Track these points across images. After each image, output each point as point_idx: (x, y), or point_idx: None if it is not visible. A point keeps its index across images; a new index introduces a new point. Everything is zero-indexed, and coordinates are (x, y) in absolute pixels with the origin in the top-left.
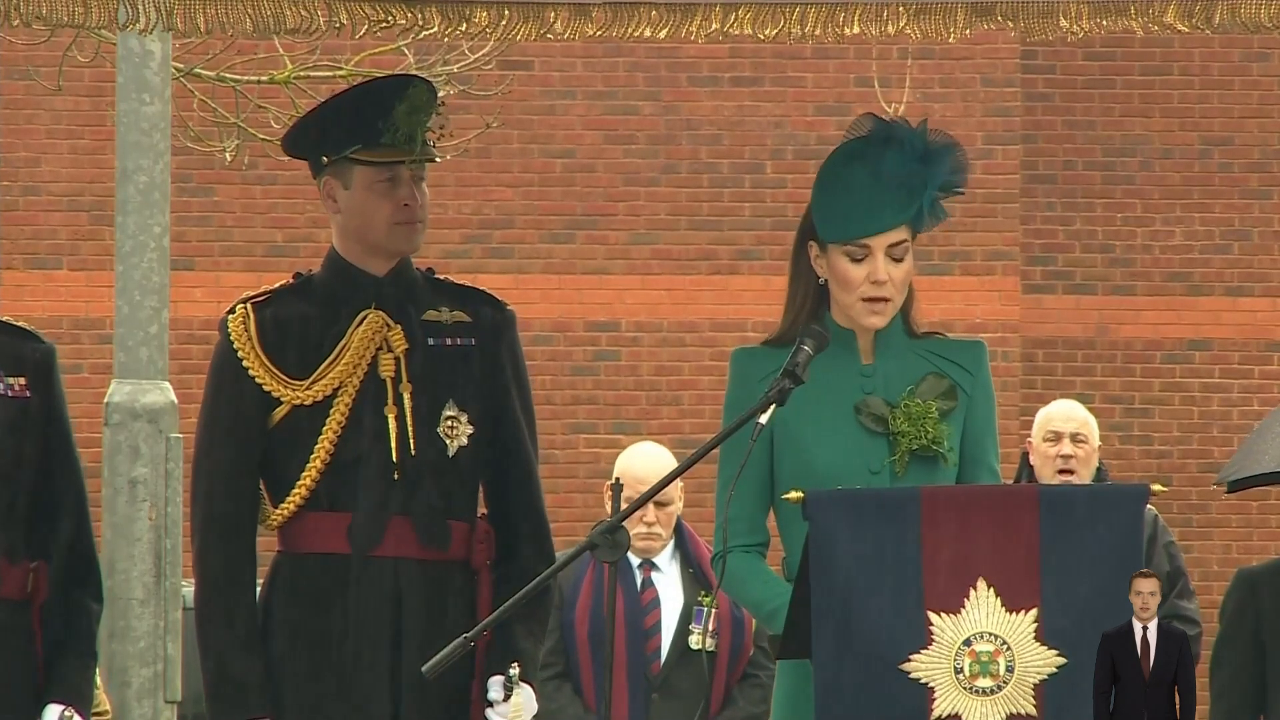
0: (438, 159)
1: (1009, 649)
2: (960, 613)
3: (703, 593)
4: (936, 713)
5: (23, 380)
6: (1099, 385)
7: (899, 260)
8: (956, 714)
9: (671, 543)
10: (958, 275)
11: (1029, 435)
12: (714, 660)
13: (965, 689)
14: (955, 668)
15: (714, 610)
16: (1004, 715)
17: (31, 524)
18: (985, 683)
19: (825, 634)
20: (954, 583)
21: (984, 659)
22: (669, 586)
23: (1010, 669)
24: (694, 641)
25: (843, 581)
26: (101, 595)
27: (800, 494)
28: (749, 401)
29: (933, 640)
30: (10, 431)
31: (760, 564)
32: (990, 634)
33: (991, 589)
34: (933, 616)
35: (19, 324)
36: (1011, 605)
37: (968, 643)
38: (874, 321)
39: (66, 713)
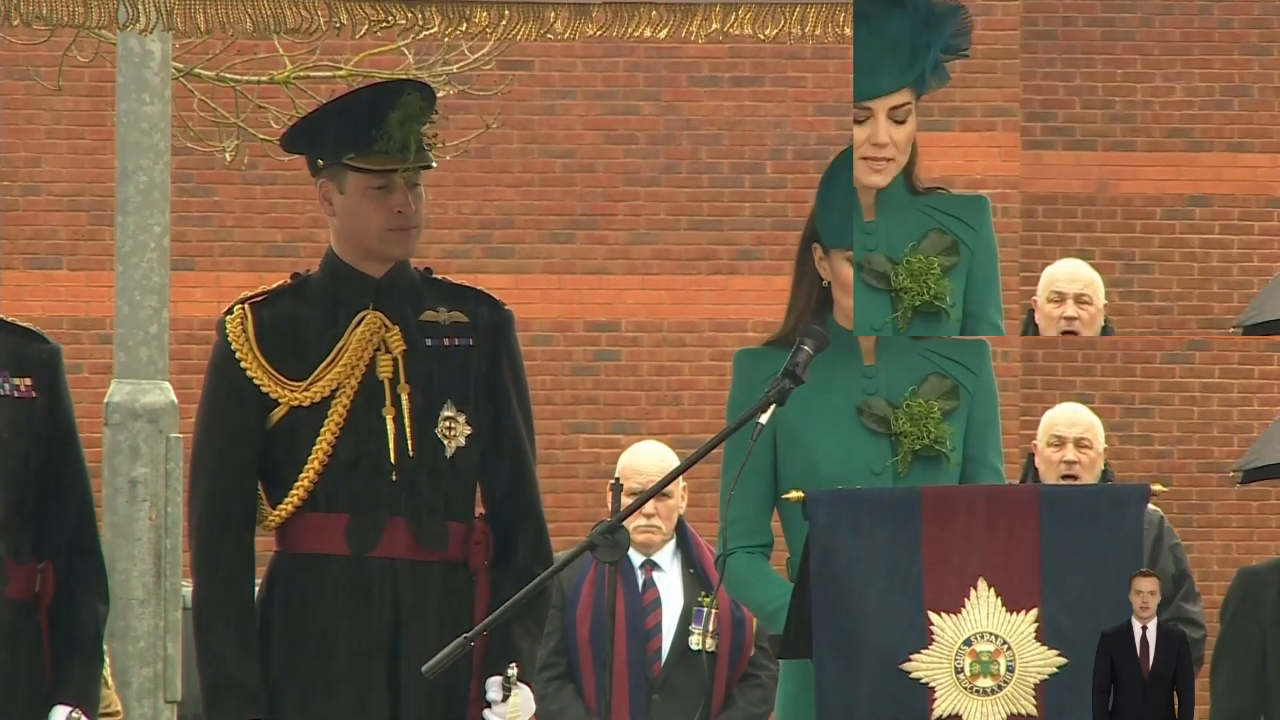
0: (433, 165)
1: (1009, 649)
2: (961, 613)
3: (703, 593)
4: (937, 713)
5: (28, 381)
6: (1099, 385)
7: (901, 122)
8: (957, 714)
9: (673, 543)
10: (957, 131)
11: (1029, 434)
12: (714, 661)
13: (966, 689)
14: (956, 668)
15: (714, 611)
16: (1004, 715)
17: (38, 525)
18: (986, 683)
19: (825, 634)
20: (954, 582)
21: (984, 659)
22: (670, 587)
23: (1011, 669)
24: (694, 642)
25: (843, 581)
26: (108, 595)
27: (800, 494)
28: (751, 402)
29: (933, 640)
30: (16, 432)
31: (763, 565)
32: (991, 634)
33: (992, 589)
34: (933, 616)
35: (24, 324)
36: (1012, 605)
37: (968, 642)
38: (875, 180)
39: (74, 714)
